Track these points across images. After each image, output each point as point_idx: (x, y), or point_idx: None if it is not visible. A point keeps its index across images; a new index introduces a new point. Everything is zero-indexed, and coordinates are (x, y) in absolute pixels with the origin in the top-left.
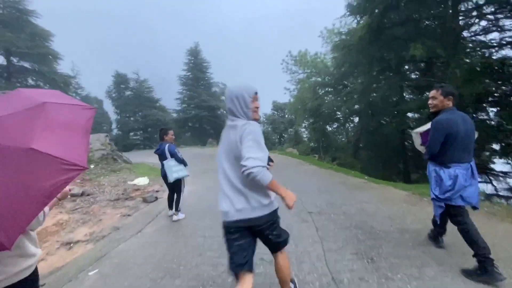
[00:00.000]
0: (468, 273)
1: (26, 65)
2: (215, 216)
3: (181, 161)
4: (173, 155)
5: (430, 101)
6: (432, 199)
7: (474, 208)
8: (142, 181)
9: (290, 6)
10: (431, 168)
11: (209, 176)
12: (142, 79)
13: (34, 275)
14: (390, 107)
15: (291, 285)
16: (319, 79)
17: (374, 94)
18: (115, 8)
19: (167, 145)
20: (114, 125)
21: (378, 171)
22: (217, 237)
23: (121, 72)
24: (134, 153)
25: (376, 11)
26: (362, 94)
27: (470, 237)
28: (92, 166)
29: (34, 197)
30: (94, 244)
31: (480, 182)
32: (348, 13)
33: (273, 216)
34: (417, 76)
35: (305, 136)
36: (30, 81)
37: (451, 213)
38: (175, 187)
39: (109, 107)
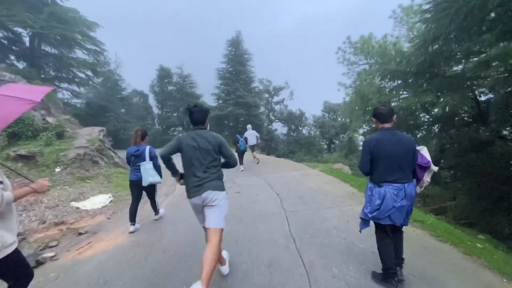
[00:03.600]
0: (374, 276)
1: (52, 50)
2: None
3: (159, 168)
4: (153, 158)
5: None
6: (360, 218)
7: (396, 226)
8: (97, 201)
9: (347, 5)
10: (368, 186)
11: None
12: (185, 73)
13: (9, 259)
14: None
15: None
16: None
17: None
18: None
19: (148, 146)
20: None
21: (481, 215)
22: None
23: (166, 66)
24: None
25: None
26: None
27: (381, 255)
28: (57, 170)
29: None
30: None
31: None
32: None
33: None
34: None
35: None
36: (52, 69)
37: (375, 228)
38: (150, 193)
39: (153, 102)
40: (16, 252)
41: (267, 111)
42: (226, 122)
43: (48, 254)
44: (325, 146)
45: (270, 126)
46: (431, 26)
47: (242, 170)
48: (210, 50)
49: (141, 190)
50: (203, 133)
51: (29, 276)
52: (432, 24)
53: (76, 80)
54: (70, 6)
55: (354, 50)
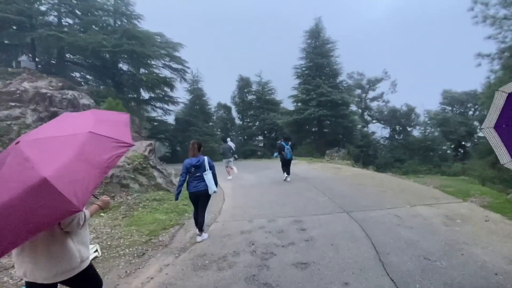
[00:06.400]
0: None
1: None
2: None
3: (216, 177)
4: (212, 168)
5: None
6: None
7: None
8: None
9: None
10: None
11: None
12: (264, 80)
13: (86, 273)
14: None
15: None
16: None
17: None
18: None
19: (206, 157)
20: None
21: None
22: None
23: (245, 76)
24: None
25: None
26: None
27: None
28: None
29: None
30: None
31: None
32: None
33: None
34: None
35: None
36: (126, 86)
37: None
38: (203, 203)
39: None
40: (91, 265)
41: (360, 110)
42: (307, 127)
43: None
44: (448, 151)
45: (365, 129)
46: None
47: (288, 181)
48: (291, 50)
49: (199, 200)
50: (226, 144)
51: (100, 285)
52: None
53: (166, 98)
54: (156, 30)
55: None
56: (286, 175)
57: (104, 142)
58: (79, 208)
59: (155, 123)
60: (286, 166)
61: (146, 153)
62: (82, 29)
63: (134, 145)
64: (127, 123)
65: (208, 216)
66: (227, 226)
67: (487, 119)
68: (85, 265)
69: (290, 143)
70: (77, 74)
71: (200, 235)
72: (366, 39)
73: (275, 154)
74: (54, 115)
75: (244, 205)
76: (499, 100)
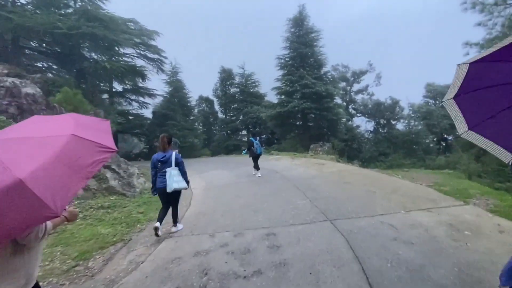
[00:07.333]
0: None
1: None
2: None
3: (185, 174)
4: (179, 164)
5: None
6: None
7: None
8: None
9: None
10: None
11: None
12: (248, 72)
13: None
14: None
15: None
16: None
17: None
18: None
19: (174, 152)
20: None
21: None
22: None
23: (227, 68)
24: (207, 162)
25: None
26: None
27: None
28: None
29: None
30: None
31: None
32: None
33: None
34: None
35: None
36: (89, 73)
37: None
38: (173, 200)
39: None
40: (37, 284)
41: (344, 103)
42: (291, 120)
43: None
44: (431, 145)
45: (350, 122)
46: None
47: (259, 176)
48: (275, 43)
49: (168, 197)
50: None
51: None
52: None
53: (141, 90)
54: (129, 16)
55: None
56: (256, 170)
57: (88, 146)
58: (56, 213)
59: (130, 117)
60: (255, 161)
61: None
62: (37, 11)
63: (118, 150)
64: (108, 130)
65: (163, 228)
66: (181, 244)
67: (448, 91)
68: (30, 287)
69: (258, 138)
70: (44, 64)
71: (175, 226)
72: (350, 33)
73: (244, 151)
74: None
75: (212, 211)
76: (460, 72)
